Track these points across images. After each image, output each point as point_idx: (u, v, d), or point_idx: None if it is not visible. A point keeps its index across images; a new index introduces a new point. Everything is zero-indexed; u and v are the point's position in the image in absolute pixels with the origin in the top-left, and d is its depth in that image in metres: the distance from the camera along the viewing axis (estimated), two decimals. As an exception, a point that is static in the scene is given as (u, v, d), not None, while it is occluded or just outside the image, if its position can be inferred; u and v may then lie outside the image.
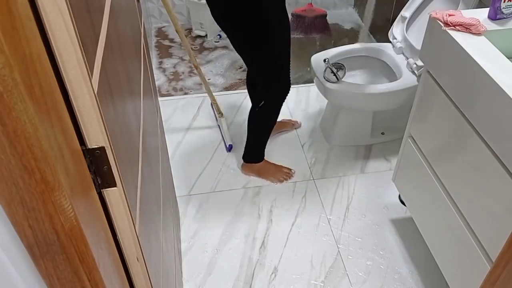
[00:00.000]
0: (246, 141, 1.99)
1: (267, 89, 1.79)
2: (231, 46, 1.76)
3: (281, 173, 2.02)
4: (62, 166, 0.48)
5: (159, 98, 2.37)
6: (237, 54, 1.75)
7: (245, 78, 2.08)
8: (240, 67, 2.77)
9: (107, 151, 0.60)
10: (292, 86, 2.54)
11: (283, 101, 1.84)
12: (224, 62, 2.86)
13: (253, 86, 1.94)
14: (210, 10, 1.63)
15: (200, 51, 2.94)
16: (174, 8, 3.09)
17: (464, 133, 1.22)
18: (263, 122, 1.92)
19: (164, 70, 2.77)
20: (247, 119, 1.88)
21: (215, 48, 2.99)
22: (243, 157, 2.02)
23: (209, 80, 2.71)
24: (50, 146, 0.45)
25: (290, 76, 1.81)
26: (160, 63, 2.83)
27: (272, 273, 1.69)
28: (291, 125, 2.29)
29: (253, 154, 2.01)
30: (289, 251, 1.76)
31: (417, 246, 1.75)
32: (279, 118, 1.98)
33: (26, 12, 0.44)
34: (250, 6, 1.52)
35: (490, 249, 1.16)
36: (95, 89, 0.56)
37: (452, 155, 1.30)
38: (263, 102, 1.81)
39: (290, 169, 2.05)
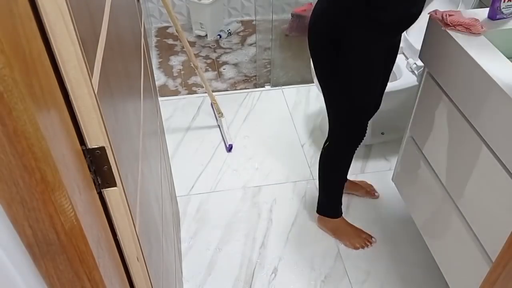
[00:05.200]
0: (319, 189, 1.79)
1: (335, 130, 1.54)
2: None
3: (360, 239, 1.77)
4: (63, 166, 0.48)
5: (160, 98, 2.37)
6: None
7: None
8: (257, 61, 2.78)
9: (107, 151, 0.60)
10: (292, 86, 2.58)
11: (354, 149, 1.59)
12: (250, 51, 2.88)
13: None
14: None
15: (229, 43, 2.99)
16: (174, 8, 3.09)
17: (464, 133, 1.22)
18: (328, 168, 1.67)
19: (171, 68, 2.80)
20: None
21: (252, 33, 3.02)
22: (317, 208, 1.82)
23: (223, 70, 2.75)
24: (50, 146, 0.45)
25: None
26: (160, 63, 2.84)
27: (272, 273, 1.69)
28: (365, 191, 1.98)
29: (325, 207, 1.79)
30: (289, 251, 1.76)
31: (417, 246, 1.75)
32: (355, 177, 1.72)
33: (26, 12, 0.44)
34: (335, 36, 1.29)
35: (490, 249, 1.16)
36: (95, 89, 0.56)
37: (452, 155, 1.30)
38: (328, 143, 1.59)
39: (371, 236, 1.79)
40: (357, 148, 1.59)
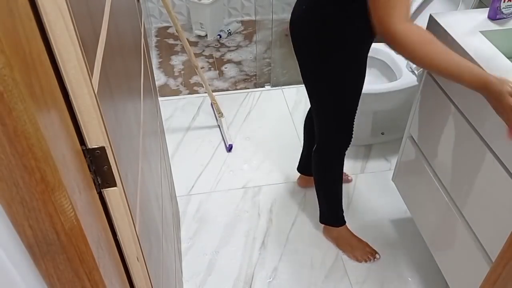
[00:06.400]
0: (317, 198, 1.75)
1: (323, 134, 1.54)
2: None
3: (363, 253, 1.72)
4: (62, 166, 0.48)
5: (160, 98, 2.37)
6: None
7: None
8: (257, 61, 2.78)
9: (107, 151, 0.60)
10: (292, 86, 2.58)
11: (343, 151, 1.58)
12: (255, 49, 2.88)
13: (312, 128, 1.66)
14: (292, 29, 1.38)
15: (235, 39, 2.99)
16: (174, 8, 3.09)
17: (464, 133, 1.22)
18: (320, 172, 1.66)
19: (172, 67, 2.80)
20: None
21: (256, 31, 3.00)
22: (319, 218, 1.80)
23: (225, 69, 2.76)
24: (50, 146, 0.45)
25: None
26: (161, 63, 2.84)
27: (272, 273, 1.69)
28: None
29: (326, 214, 1.76)
30: (289, 251, 1.76)
31: (417, 246, 1.75)
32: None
33: (26, 12, 0.44)
34: (330, 34, 1.25)
35: (490, 249, 1.16)
36: (95, 89, 0.56)
37: (451, 155, 1.30)
38: (316, 146, 1.57)
39: (375, 252, 1.73)
40: (347, 149, 1.57)
